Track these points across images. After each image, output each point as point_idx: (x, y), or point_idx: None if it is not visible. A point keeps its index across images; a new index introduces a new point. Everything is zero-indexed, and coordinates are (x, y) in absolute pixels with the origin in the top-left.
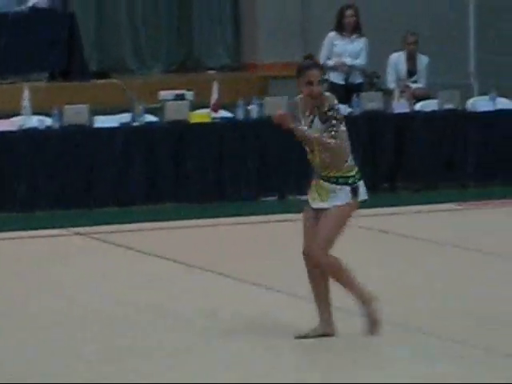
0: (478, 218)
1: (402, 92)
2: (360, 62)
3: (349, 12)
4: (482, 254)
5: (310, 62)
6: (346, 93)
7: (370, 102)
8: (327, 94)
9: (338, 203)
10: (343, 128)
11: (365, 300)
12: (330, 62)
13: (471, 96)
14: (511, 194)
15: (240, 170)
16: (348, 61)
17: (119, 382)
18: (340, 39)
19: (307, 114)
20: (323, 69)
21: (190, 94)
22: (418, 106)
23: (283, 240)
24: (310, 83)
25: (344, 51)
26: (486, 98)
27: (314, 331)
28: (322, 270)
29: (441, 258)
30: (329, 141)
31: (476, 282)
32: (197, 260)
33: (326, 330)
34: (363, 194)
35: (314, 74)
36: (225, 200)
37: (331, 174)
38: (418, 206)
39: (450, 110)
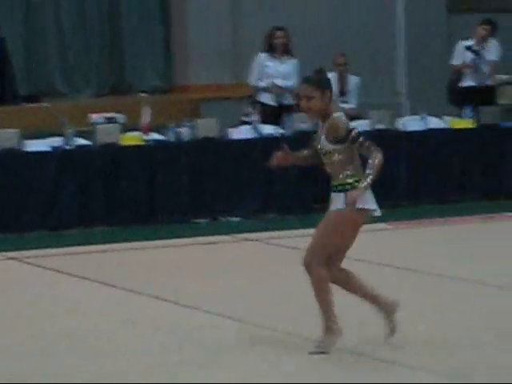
0: (409, 237)
1: None
2: (291, 83)
3: (279, 33)
4: (412, 272)
5: (308, 77)
6: (277, 114)
7: (301, 122)
8: (334, 118)
9: (334, 209)
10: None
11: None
12: (262, 84)
13: (402, 115)
14: (442, 213)
15: (172, 192)
16: (279, 82)
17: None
18: (271, 60)
19: (319, 129)
20: (319, 84)
21: (121, 117)
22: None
23: (214, 262)
24: (301, 98)
25: (275, 72)
26: (417, 117)
27: (326, 344)
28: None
29: (372, 276)
30: (378, 154)
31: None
32: (128, 283)
33: (334, 337)
34: (367, 203)
35: (302, 88)
36: (157, 223)
37: (334, 183)
38: None
39: (381, 130)
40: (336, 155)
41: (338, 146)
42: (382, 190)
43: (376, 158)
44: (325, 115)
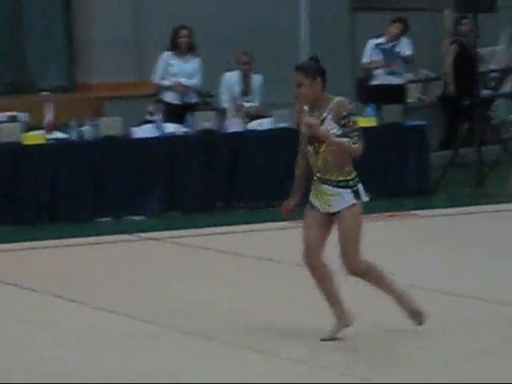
0: None
1: (236, 111)
2: (195, 81)
3: (183, 32)
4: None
5: (299, 64)
6: (181, 113)
7: (205, 121)
8: (341, 99)
9: (344, 206)
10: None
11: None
12: (166, 82)
13: None
14: None
15: (74, 191)
16: (183, 81)
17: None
18: (175, 59)
19: (315, 113)
20: (309, 71)
21: (23, 116)
22: (252, 125)
23: (117, 261)
24: (296, 85)
25: (179, 71)
26: None
27: (336, 328)
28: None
29: (268, 273)
30: (354, 147)
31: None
32: (29, 282)
33: (342, 325)
34: (364, 195)
35: (297, 76)
36: (59, 221)
37: (333, 178)
38: (252, 224)
39: (283, 129)
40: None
41: (341, 131)
42: (284, 188)
43: (355, 144)
44: (316, 102)
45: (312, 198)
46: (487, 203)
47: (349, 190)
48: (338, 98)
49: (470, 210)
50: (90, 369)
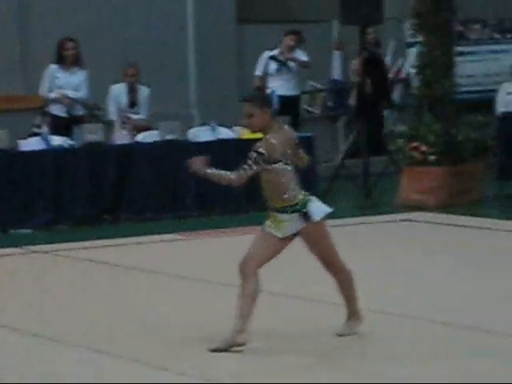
0: (198, 248)
1: (123, 123)
2: (81, 94)
3: (69, 45)
4: (196, 281)
5: (246, 95)
6: (68, 125)
7: (91, 133)
8: (267, 136)
9: (294, 231)
10: (277, 166)
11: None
12: (52, 95)
13: (192, 126)
14: (231, 224)
15: None
16: (70, 93)
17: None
18: (61, 72)
19: None
20: (259, 101)
21: None
22: (140, 137)
23: (3, 274)
24: (246, 116)
25: (65, 84)
26: (207, 127)
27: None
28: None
29: (155, 286)
30: (233, 177)
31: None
32: None
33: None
34: (319, 212)
35: (245, 106)
36: None
37: (277, 205)
38: (140, 237)
39: (170, 141)
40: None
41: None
42: (173, 200)
43: (230, 175)
44: (267, 130)
45: (268, 225)
46: (373, 214)
47: (297, 214)
48: (286, 127)
49: (358, 220)
50: None
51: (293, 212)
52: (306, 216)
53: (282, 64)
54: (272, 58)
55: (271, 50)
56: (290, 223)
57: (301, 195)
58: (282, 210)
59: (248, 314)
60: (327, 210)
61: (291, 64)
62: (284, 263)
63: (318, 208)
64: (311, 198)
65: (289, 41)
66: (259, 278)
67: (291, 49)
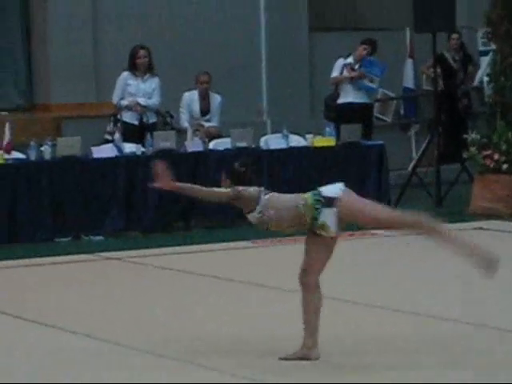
0: (271, 255)
1: (195, 131)
2: (153, 101)
3: (141, 52)
4: (269, 289)
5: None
6: (140, 132)
7: (164, 141)
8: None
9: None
10: None
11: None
12: (124, 102)
13: (264, 134)
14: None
15: (33, 211)
16: (142, 100)
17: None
18: (133, 79)
19: None
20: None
21: None
22: (212, 145)
23: (77, 280)
24: None
25: (137, 91)
26: (279, 135)
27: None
28: None
29: (229, 294)
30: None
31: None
32: None
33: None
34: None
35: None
36: (18, 242)
37: None
38: (212, 244)
39: (242, 148)
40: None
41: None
42: None
43: (207, 191)
44: None
45: None
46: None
47: None
48: None
49: None
50: None
51: None
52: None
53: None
54: (346, 65)
55: (345, 57)
56: None
57: None
58: None
59: (316, 328)
60: None
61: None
62: None
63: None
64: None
65: (361, 50)
66: (320, 288)
67: (363, 58)
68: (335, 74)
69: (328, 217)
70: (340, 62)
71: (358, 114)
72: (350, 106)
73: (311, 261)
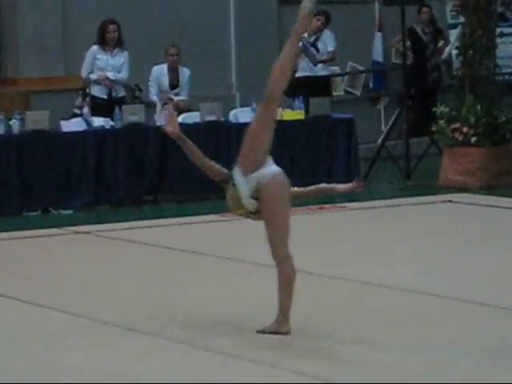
0: (240, 229)
1: (164, 104)
2: (122, 75)
3: (111, 27)
4: (238, 262)
5: None
6: (109, 106)
7: (132, 114)
8: None
9: None
10: None
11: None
12: (93, 76)
13: (233, 107)
14: None
15: (2, 185)
16: (111, 75)
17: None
18: (102, 53)
19: None
20: None
21: None
22: (181, 118)
23: (45, 255)
24: None
25: (106, 65)
26: (248, 109)
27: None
28: None
29: (197, 267)
30: None
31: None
32: None
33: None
34: None
35: None
36: None
37: None
38: (181, 217)
39: (211, 122)
40: None
41: None
42: (211, 180)
43: (206, 162)
44: None
45: None
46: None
47: None
48: None
49: (399, 201)
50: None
51: None
52: None
53: (312, 45)
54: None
55: None
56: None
57: None
58: None
59: (286, 303)
60: None
61: (319, 45)
62: None
63: None
64: None
65: (315, 21)
66: (291, 260)
67: (318, 29)
68: None
69: (242, 184)
70: None
71: (317, 87)
72: (307, 79)
73: (268, 236)
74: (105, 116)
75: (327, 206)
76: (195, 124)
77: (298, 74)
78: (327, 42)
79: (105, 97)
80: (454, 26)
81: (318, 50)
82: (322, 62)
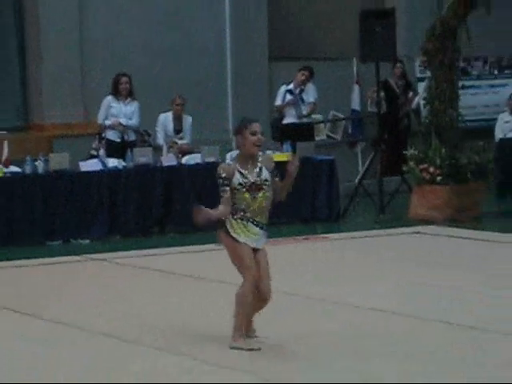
0: None
1: (170, 147)
2: (133, 122)
3: (123, 79)
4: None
5: (251, 117)
6: (121, 149)
7: (142, 156)
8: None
9: (262, 245)
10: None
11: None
12: (108, 122)
13: (230, 150)
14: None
15: (28, 218)
16: (123, 121)
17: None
18: (116, 102)
19: (249, 166)
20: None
21: None
22: (184, 160)
23: (68, 279)
24: (254, 133)
25: (119, 113)
26: None
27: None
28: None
29: (201, 291)
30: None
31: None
32: None
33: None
34: None
35: (258, 125)
36: (15, 245)
37: (261, 221)
38: (184, 246)
39: (211, 163)
40: (270, 190)
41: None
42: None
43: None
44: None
45: (238, 234)
46: (387, 227)
47: (266, 233)
48: (265, 152)
49: (374, 233)
50: None
51: (264, 230)
52: (266, 234)
53: (296, 96)
54: (288, 91)
55: (287, 84)
56: (262, 238)
57: None
58: (261, 227)
59: (241, 321)
60: None
61: (304, 96)
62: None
63: None
64: None
65: (300, 76)
66: (254, 284)
67: (302, 83)
68: (278, 102)
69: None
70: (282, 88)
71: (301, 132)
72: (292, 125)
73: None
74: (118, 157)
75: (311, 236)
76: (197, 164)
77: (285, 121)
78: (309, 94)
79: (118, 140)
80: (422, 80)
81: (303, 101)
82: (305, 116)
